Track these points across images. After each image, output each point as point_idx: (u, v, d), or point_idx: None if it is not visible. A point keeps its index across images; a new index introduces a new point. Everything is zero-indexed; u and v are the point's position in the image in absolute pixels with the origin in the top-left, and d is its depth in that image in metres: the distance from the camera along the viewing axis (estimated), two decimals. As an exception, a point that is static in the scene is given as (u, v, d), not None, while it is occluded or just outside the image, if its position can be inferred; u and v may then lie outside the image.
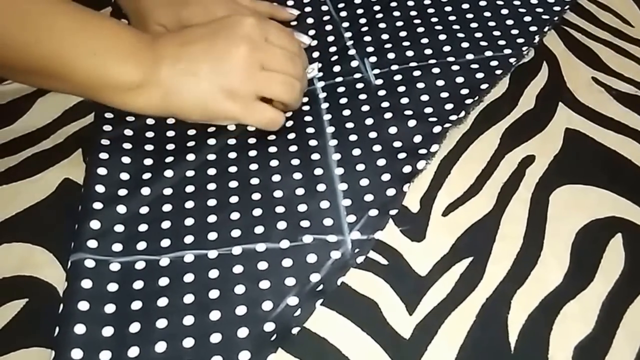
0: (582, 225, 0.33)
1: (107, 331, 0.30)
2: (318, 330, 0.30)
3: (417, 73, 0.41)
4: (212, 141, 0.38)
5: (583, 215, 0.34)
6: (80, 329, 0.30)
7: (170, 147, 0.38)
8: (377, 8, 0.46)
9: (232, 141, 0.39)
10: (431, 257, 0.33)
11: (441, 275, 0.32)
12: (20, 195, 0.36)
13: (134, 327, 0.31)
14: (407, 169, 0.36)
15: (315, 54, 0.44)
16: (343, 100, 0.40)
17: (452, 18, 0.45)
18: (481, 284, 0.31)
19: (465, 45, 0.43)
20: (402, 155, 0.37)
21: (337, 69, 0.42)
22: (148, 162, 0.37)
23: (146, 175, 0.36)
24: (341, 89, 0.41)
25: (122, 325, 0.31)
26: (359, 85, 0.41)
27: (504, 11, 0.45)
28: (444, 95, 0.40)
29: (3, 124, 0.40)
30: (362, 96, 0.40)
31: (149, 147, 0.38)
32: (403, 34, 0.44)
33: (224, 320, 0.31)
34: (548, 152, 0.37)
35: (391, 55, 0.42)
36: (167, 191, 0.36)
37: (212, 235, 0.34)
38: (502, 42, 0.43)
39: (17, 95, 0.41)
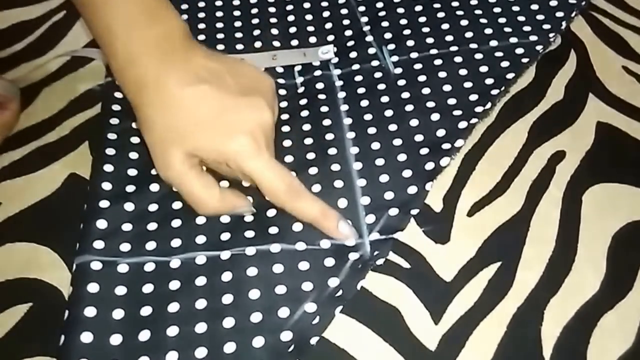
0: (619, 228, 0.29)
1: (116, 339, 0.27)
2: (337, 340, 0.27)
3: (438, 62, 0.37)
4: (224, 134, 0.34)
5: (619, 217, 0.30)
6: (87, 337, 0.27)
7: (181, 140, 0.34)
8: (394, -9, 0.41)
9: (244, 134, 0.35)
10: (456, 261, 0.29)
11: (468, 281, 0.28)
12: (25, 191, 0.33)
13: (144, 335, 0.27)
14: (429, 165, 0.32)
15: (330, 37, 0.39)
16: (361, 90, 0.36)
17: (474, 2, 0.40)
18: (511, 291, 0.28)
19: (488, 31, 0.38)
20: (424, 151, 0.32)
21: (353, 55, 0.38)
22: (157, 156, 0.33)
23: (155, 171, 0.32)
24: (358, 78, 0.37)
25: (131, 332, 0.27)
26: (377, 75, 0.37)
27: (529, -5, 0.40)
28: (468, 85, 0.35)
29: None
30: (381, 86, 0.36)
31: (157, 141, 0.34)
32: (422, 19, 0.39)
33: (238, 328, 0.27)
34: (579, 147, 0.33)
35: (410, 42, 0.38)
36: (177, 187, 0.32)
37: (225, 235, 0.30)
38: (527, 28, 0.38)
39: (21, 86, 0.37)
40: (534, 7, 0.40)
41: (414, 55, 0.37)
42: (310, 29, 0.40)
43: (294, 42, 0.39)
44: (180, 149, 0.29)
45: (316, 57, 0.38)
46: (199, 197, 0.30)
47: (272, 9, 0.41)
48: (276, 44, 0.39)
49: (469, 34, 0.38)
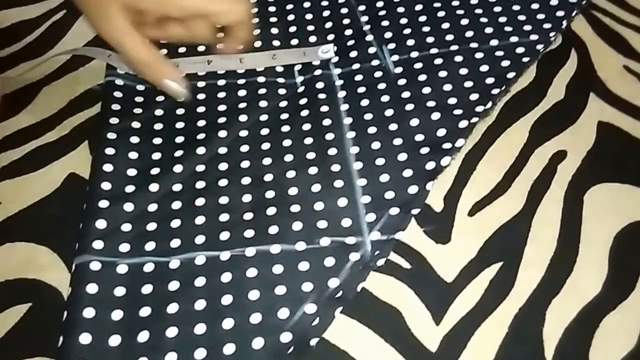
0: (621, 228, 0.29)
1: (114, 340, 0.26)
2: (337, 341, 0.26)
3: (438, 61, 0.36)
4: (223, 133, 0.34)
5: (621, 217, 0.29)
6: (85, 338, 0.26)
7: (180, 140, 0.33)
8: (394, -9, 0.40)
9: (243, 133, 0.34)
10: (457, 261, 0.28)
11: (469, 281, 0.27)
12: (24, 190, 0.32)
13: (143, 336, 0.27)
14: (430, 165, 0.31)
15: (330, 37, 0.39)
16: (361, 89, 0.35)
17: (474, 1, 0.39)
18: (512, 292, 0.27)
19: (489, 30, 0.37)
20: (424, 150, 0.32)
21: (353, 54, 0.37)
22: (156, 156, 0.33)
23: (154, 171, 0.32)
24: (359, 77, 0.36)
25: (130, 333, 0.27)
26: (378, 74, 0.36)
27: (529, -6, 0.40)
28: (468, 84, 0.35)
29: (7, 115, 0.35)
30: (381, 85, 0.35)
31: (157, 141, 0.33)
32: (423, 18, 0.39)
33: (238, 329, 0.27)
34: (580, 147, 0.32)
35: (410, 42, 0.37)
36: (177, 187, 0.32)
37: (224, 235, 0.30)
38: (527, 28, 0.37)
39: (21, 85, 0.37)
40: (535, 6, 0.39)
41: (414, 54, 0.37)
42: (310, 28, 0.39)
43: (294, 42, 0.39)
44: (116, 2, 0.28)
45: (316, 57, 0.37)
46: (141, 53, 0.30)
47: (272, 8, 0.41)
48: (276, 43, 0.39)
49: (469, 33, 0.37)
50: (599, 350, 0.25)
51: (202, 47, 0.38)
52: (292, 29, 0.39)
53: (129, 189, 0.31)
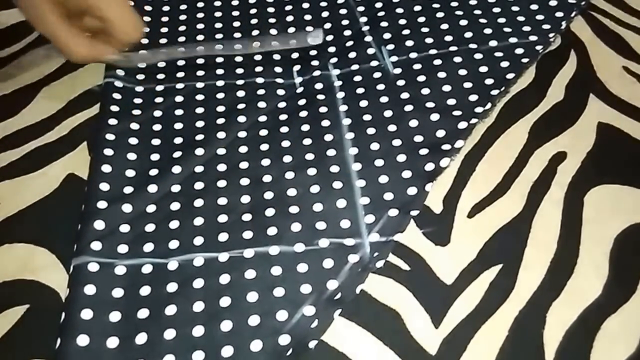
0: (621, 230, 0.28)
1: (112, 342, 0.26)
2: (336, 343, 0.26)
3: (437, 62, 0.35)
4: (221, 134, 0.33)
5: (621, 219, 0.28)
6: (83, 340, 0.26)
7: (178, 141, 0.33)
8: (393, -9, 0.40)
9: (242, 134, 0.33)
10: (457, 263, 0.28)
11: (468, 283, 0.27)
12: (23, 191, 0.31)
13: (141, 338, 0.26)
14: (429, 166, 0.31)
15: (329, 37, 0.38)
16: (360, 90, 0.35)
17: (473, 2, 0.39)
18: (513, 294, 0.26)
19: (488, 31, 0.37)
20: (424, 152, 0.31)
21: (352, 55, 0.37)
22: (155, 157, 0.32)
23: (153, 172, 0.31)
24: (358, 78, 0.35)
25: (128, 335, 0.26)
26: (377, 75, 0.35)
27: (528, -5, 0.39)
28: (468, 85, 0.34)
29: (6, 115, 0.35)
30: (380, 86, 0.35)
31: (155, 142, 0.33)
32: (422, 19, 0.38)
33: (236, 332, 0.26)
34: (580, 148, 0.31)
35: (409, 43, 0.37)
36: (175, 188, 0.31)
37: (223, 237, 0.29)
38: (527, 28, 0.37)
39: (20, 85, 0.36)
40: (534, 7, 0.38)
41: (413, 55, 0.36)
42: (309, 29, 0.39)
43: (293, 42, 0.38)
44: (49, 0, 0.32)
45: (305, 42, 0.36)
46: (71, 43, 0.32)
47: (270, 9, 0.40)
48: (275, 44, 0.38)
49: (468, 34, 0.37)
50: (599, 353, 0.24)
51: (201, 48, 0.38)
52: (291, 29, 0.39)
53: (128, 190, 0.31)
